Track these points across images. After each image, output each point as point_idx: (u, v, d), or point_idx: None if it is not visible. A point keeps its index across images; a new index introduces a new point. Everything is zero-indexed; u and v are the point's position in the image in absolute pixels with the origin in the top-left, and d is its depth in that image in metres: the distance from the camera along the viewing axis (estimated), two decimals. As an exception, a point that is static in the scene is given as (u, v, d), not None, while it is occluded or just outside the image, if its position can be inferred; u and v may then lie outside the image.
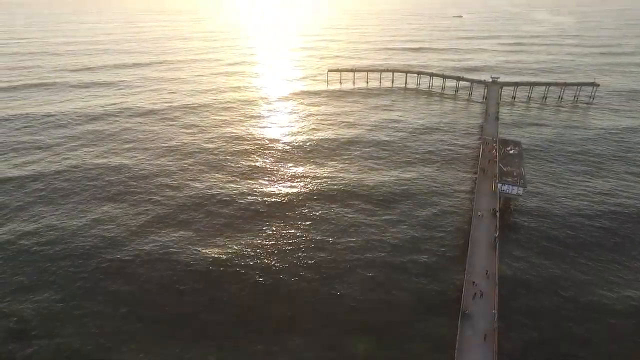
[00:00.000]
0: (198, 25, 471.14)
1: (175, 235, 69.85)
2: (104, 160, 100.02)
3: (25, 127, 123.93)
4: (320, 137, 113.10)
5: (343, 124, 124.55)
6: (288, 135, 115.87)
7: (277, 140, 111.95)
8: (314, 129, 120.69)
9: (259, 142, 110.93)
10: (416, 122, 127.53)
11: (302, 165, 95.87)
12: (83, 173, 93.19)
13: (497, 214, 70.12)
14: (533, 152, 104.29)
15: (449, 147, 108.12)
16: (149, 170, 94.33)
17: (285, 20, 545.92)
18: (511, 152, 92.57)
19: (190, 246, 66.86)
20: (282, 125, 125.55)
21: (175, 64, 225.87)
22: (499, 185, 76.82)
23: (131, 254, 65.29)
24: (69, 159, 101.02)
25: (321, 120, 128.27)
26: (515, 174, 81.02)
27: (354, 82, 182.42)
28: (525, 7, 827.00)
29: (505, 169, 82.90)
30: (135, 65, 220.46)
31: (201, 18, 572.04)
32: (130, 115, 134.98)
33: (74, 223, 73.47)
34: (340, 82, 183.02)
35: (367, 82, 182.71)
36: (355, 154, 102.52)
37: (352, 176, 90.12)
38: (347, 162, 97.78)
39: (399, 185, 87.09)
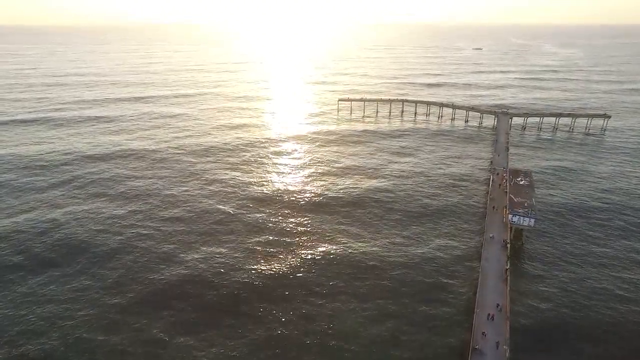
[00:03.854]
0: (207, 56, 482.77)
1: (163, 321, 57.72)
2: (90, 215, 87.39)
3: (12, 168, 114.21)
4: (331, 188, 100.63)
5: (353, 171, 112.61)
6: (296, 184, 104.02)
7: (284, 191, 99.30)
8: (324, 176, 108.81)
9: (264, 192, 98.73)
10: (427, 157, 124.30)
11: (310, 222, 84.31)
12: (67, 230, 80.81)
13: (508, 246, 68.83)
14: (544, 184, 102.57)
15: (459, 179, 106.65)
16: (139, 231, 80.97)
17: (295, 51, 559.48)
18: (521, 182, 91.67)
19: (180, 335, 55.02)
20: (289, 169, 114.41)
21: (183, 97, 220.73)
22: (510, 216, 75.68)
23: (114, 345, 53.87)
24: (51, 211, 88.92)
25: (331, 167, 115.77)
26: (526, 204, 79.91)
27: (363, 112, 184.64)
28: (532, 39, 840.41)
29: (515, 200, 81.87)
30: (139, 99, 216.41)
31: (213, 48, 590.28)
32: (128, 157, 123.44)
33: (54, 298, 62.13)
34: (351, 112, 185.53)
35: (377, 112, 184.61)
36: (362, 209, 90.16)
37: (361, 232, 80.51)
38: (354, 216, 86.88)
39: (410, 228, 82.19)
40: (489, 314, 53.37)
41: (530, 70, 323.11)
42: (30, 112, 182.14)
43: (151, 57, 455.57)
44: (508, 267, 62.83)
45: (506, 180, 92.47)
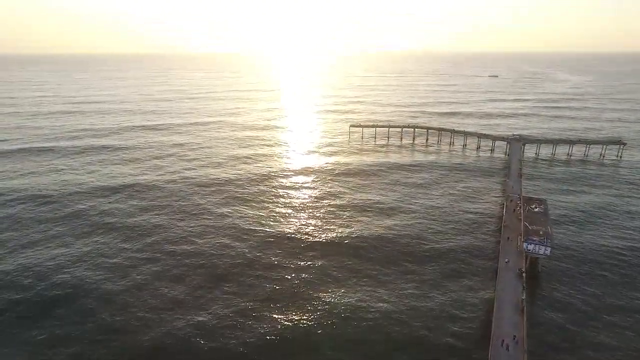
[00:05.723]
0: (220, 85, 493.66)
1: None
2: (97, 251, 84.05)
3: (21, 198, 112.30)
4: (343, 225, 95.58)
5: (365, 206, 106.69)
6: (307, 220, 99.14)
7: (295, 228, 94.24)
8: (336, 212, 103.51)
9: (275, 229, 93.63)
10: (439, 188, 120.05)
11: (321, 263, 79.38)
12: (72, 269, 77.41)
13: (524, 275, 67.20)
14: (558, 213, 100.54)
15: (472, 212, 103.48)
16: (146, 269, 77.41)
17: (307, 79, 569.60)
18: (536, 210, 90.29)
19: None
20: (300, 205, 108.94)
21: (200, 125, 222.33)
22: (525, 244, 74.18)
23: None
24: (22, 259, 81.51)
25: (344, 202, 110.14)
26: (541, 232, 78.41)
27: (375, 139, 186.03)
28: (544, 66, 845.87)
29: (530, 228, 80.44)
30: (154, 127, 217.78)
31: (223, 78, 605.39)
32: (138, 189, 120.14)
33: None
34: (362, 138, 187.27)
35: (389, 139, 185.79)
36: (375, 247, 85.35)
37: (375, 273, 75.32)
38: (367, 257, 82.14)
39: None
40: (502, 341, 52.31)
41: (544, 99, 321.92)
42: (47, 139, 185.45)
43: (169, 84, 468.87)
44: (524, 297, 61.16)
45: (520, 208, 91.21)
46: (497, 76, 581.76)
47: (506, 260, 71.83)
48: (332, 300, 68.04)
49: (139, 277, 75.16)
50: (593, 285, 71.36)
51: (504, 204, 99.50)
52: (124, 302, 67.81)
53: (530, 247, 73.73)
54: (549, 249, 73.31)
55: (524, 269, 68.96)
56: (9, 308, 66.84)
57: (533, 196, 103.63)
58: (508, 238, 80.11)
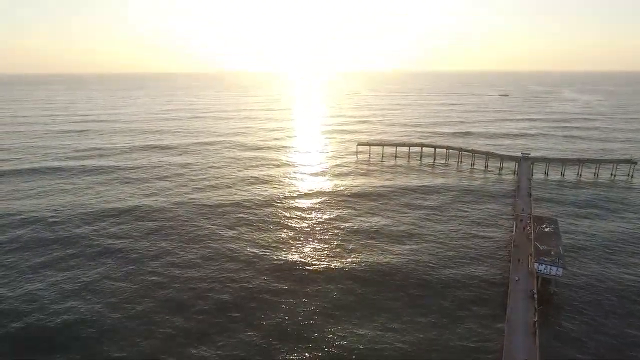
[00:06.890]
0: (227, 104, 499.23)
1: None
2: (97, 282, 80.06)
3: (22, 221, 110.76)
4: (353, 253, 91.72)
5: (374, 233, 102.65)
6: (314, 247, 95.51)
7: (303, 257, 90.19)
8: (345, 238, 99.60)
9: (282, 259, 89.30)
10: (447, 211, 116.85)
11: (331, 295, 75.60)
12: (68, 303, 72.98)
13: (535, 296, 65.63)
14: (571, 236, 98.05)
15: (481, 231, 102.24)
16: (147, 302, 73.46)
17: (314, 98, 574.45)
18: (547, 229, 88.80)
19: None
20: (308, 230, 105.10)
21: (207, 145, 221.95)
22: (536, 265, 72.71)
23: None
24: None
25: (352, 227, 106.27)
26: (552, 253, 76.90)
27: (382, 157, 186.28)
28: (551, 86, 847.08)
29: (541, 248, 78.97)
30: (163, 147, 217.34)
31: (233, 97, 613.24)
32: (141, 214, 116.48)
33: None
34: (369, 156, 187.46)
35: (396, 157, 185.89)
36: (385, 277, 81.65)
37: (385, 308, 70.66)
38: (378, 286, 78.51)
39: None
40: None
41: (553, 119, 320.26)
42: (57, 159, 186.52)
43: (192, 104, 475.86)
44: (536, 319, 59.57)
45: (530, 227, 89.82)
46: (507, 95, 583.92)
47: (516, 278, 70.43)
48: (340, 332, 65.32)
49: (143, 303, 72.60)
50: (609, 313, 68.78)
51: (513, 224, 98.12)
52: (126, 330, 65.39)
53: (542, 267, 72.26)
54: (560, 270, 71.77)
55: (535, 290, 67.41)
56: (8, 336, 64.66)
57: (543, 215, 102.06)
58: (519, 260, 78.46)
